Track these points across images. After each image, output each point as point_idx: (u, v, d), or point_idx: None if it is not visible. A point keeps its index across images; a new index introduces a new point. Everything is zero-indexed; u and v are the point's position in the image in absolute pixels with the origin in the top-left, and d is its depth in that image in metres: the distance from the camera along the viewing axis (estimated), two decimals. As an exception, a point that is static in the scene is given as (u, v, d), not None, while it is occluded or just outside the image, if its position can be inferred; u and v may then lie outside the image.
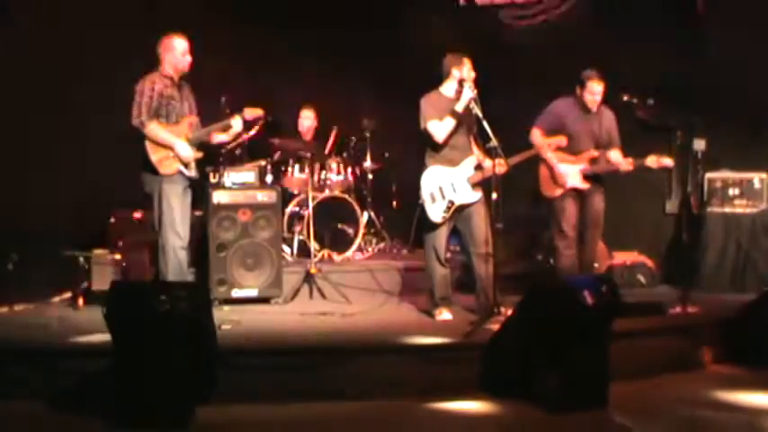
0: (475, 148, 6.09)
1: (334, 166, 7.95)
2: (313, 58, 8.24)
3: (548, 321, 4.70)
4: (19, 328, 5.70)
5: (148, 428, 4.27)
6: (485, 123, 5.77)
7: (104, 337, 4.67)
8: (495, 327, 5.22)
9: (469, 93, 5.85)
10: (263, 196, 6.78)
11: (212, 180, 6.98)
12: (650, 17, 7.54)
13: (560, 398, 4.56)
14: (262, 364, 4.89)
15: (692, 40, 7.40)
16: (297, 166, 7.85)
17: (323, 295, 6.86)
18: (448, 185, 5.99)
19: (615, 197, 6.70)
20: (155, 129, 5.84)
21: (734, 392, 4.96)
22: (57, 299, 6.65)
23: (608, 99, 6.50)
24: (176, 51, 5.95)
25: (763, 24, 7.20)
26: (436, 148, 6.02)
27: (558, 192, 6.45)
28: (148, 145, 5.84)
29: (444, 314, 6.06)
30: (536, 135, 6.46)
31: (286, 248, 7.48)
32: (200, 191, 6.61)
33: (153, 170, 5.86)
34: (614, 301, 4.82)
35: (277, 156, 7.94)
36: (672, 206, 7.69)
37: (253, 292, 6.64)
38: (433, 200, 6.01)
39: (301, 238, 7.62)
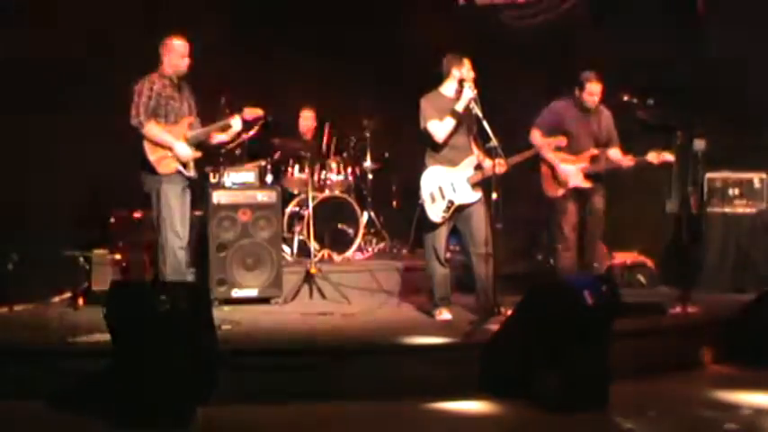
0: (475, 148, 6.09)
1: (334, 166, 7.96)
2: (313, 58, 8.24)
3: (548, 321, 4.69)
4: (19, 328, 5.70)
5: (148, 428, 4.26)
6: (485, 123, 5.78)
7: (104, 337, 4.67)
8: (495, 327, 5.22)
9: (469, 93, 5.85)
10: (263, 196, 6.78)
11: (212, 180, 6.98)
12: (650, 17, 7.54)
13: (560, 398, 4.56)
14: (262, 364, 4.88)
15: (691, 40, 7.40)
16: (297, 166, 7.85)
17: (323, 295, 6.86)
18: (448, 185, 5.99)
19: (615, 197, 6.70)
20: (153, 129, 5.84)
21: (734, 392, 4.96)
22: (57, 299, 6.64)
23: (607, 99, 6.50)
24: (176, 53, 5.95)
25: (763, 24, 7.21)
26: (436, 148, 6.02)
27: (560, 192, 6.46)
28: (147, 145, 5.85)
29: (444, 314, 6.06)
30: (536, 135, 6.46)
31: (286, 248, 7.48)
32: (199, 191, 6.62)
33: (151, 170, 5.86)
34: (614, 301, 4.82)
35: (277, 156, 7.95)
36: (672, 206, 7.68)
37: (253, 292, 6.64)
38: (433, 200, 6.01)
39: (301, 238, 7.62)
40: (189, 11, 7.58)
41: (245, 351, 5.06)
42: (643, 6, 7.57)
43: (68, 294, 6.63)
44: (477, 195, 6.02)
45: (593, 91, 6.38)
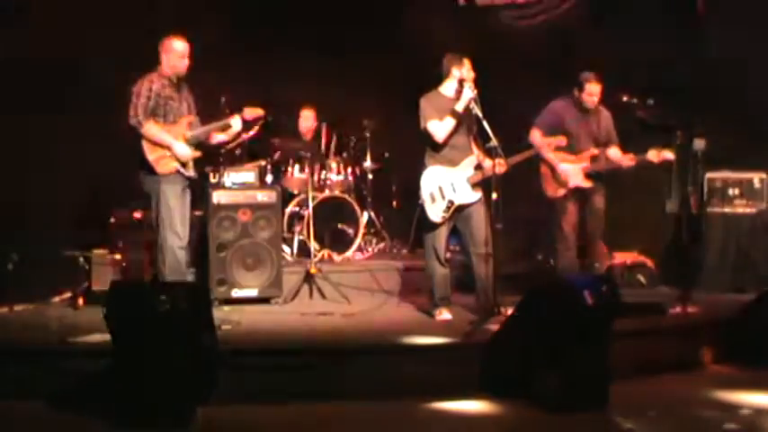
0: (475, 148, 6.09)
1: (334, 166, 7.96)
2: (313, 57, 8.24)
3: (548, 321, 4.70)
4: (19, 328, 5.71)
5: (148, 428, 4.26)
6: (485, 123, 5.78)
7: (104, 337, 4.67)
8: (495, 327, 5.22)
9: (469, 93, 5.85)
10: (263, 196, 6.78)
11: (212, 180, 6.98)
12: (650, 17, 7.54)
13: (560, 398, 4.56)
14: (262, 364, 4.88)
15: (691, 40, 7.40)
16: (297, 166, 7.85)
17: (323, 295, 6.86)
18: (448, 185, 5.99)
19: (615, 197, 6.70)
20: (151, 128, 5.84)
21: (734, 392, 4.95)
22: (57, 299, 6.65)
23: (607, 99, 6.50)
24: (175, 53, 5.95)
25: (764, 24, 7.20)
26: (436, 147, 6.02)
27: (561, 192, 6.46)
28: (145, 145, 5.85)
29: (444, 314, 6.06)
30: (535, 135, 6.47)
31: (286, 248, 7.48)
32: (199, 191, 6.62)
33: (150, 170, 5.86)
34: (614, 301, 4.82)
35: (277, 156, 7.95)
36: (672, 206, 7.67)
37: (253, 292, 6.64)
38: (433, 200, 6.01)
39: (301, 238, 7.62)
40: (189, 10, 7.58)
41: (245, 351, 5.06)
42: (643, 6, 7.57)
43: (68, 294, 6.63)
44: (477, 195, 6.02)
45: (592, 91, 6.40)
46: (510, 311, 5.21)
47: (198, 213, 6.84)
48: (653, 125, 7.04)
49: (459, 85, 5.95)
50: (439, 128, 5.94)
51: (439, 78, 6.08)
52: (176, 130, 5.95)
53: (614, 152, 6.47)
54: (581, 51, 7.42)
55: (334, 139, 8.35)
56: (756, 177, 7.32)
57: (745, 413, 4.60)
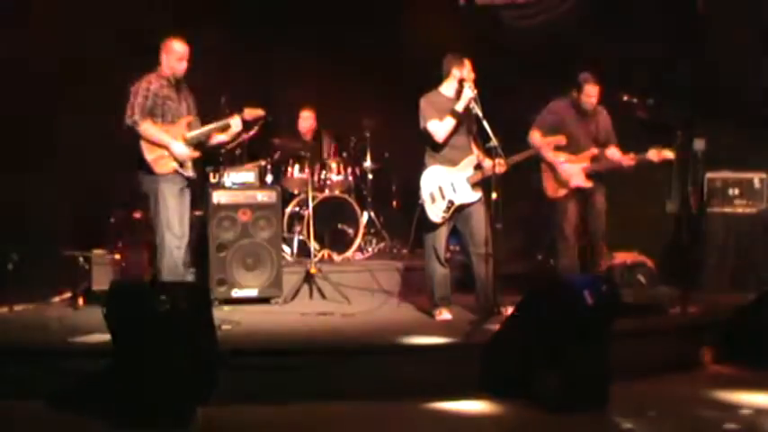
0: (475, 148, 6.09)
1: (334, 166, 7.96)
2: (313, 58, 8.24)
3: (548, 321, 4.70)
4: (19, 328, 5.70)
5: (148, 428, 4.27)
6: (485, 123, 5.78)
7: (104, 337, 4.68)
8: (495, 327, 5.22)
9: (469, 92, 5.85)
10: (263, 196, 6.78)
11: (212, 180, 6.98)
12: (650, 17, 7.54)
13: (560, 398, 4.56)
14: (262, 364, 4.88)
15: (691, 40, 7.40)
16: (297, 166, 7.85)
17: (323, 295, 6.86)
18: (448, 185, 5.99)
19: (615, 197, 6.70)
20: (148, 128, 5.84)
21: (734, 392, 4.95)
22: (57, 299, 6.64)
23: (606, 99, 6.50)
24: (174, 55, 5.95)
25: (764, 24, 7.20)
26: (436, 147, 6.02)
27: (561, 192, 6.46)
28: (144, 145, 5.85)
29: (444, 314, 6.06)
30: (535, 136, 6.47)
31: (286, 248, 7.48)
32: (199, 191, 6.62)
33: (148, 170, 5.86)
34: (614, 301, 4.82)
35: (277, 156, 7.95)
36: (672, 206, 7.67)
37: (253, 292, 6.64)
38: (433, 200, 6.01)
39: (301, 238, 7.62)
40: (189, 10, 7.58)
41: (245, 351, 5.05)
42: (643, 6, 7.57)
43: (68, 294, 6.63)
44: (477, 195, 6.02)
45: (590, 92, 6.40)
46: (510, 311, 5.21)
47: (198, 213, 6.85)
48: (653, 125, 7.05)
49: (459, 84, 5.95)
50: (439, 128, 5.94)
51: (439, 78, 6.08)
52: (175, 130, 5.95)
53: (613, 152, 6.48)
54: (581, 51, 7.42)
55: (333, 145, 8.32)
56: (756, 177, 7.32)
57: (745, 413, 4.60)
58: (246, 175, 6.88)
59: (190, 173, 6.04)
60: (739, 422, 4.44)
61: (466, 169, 6.02)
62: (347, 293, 6.82)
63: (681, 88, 7.14)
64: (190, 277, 6.42)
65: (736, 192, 7.33)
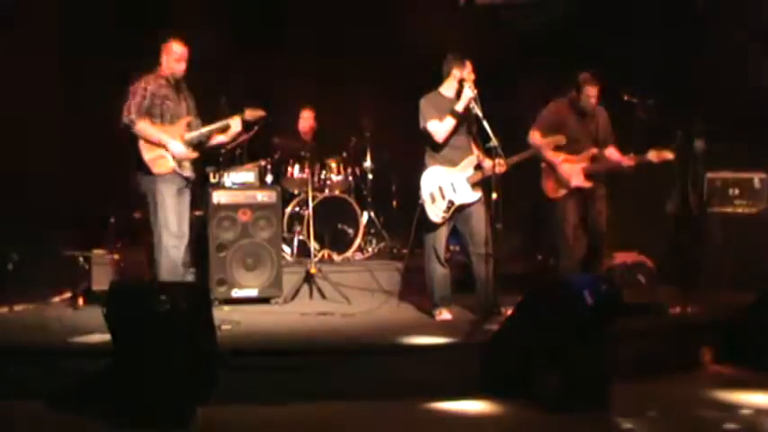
0: (475, 149, 6.09)
1: (334, 166, 7.95)
2: (313, 58, 8.24)
3: (548, 321, 4.70)
4: (19, 328, 5.70)
5: (148, 428, 4.27)
6: (485, 123, 5.78)
7: (104, 337, 4.68)
8: (495, 327, 5.22)
9: (469, 92, 5.85)
10: (263, 196, 6.78)
11: (212, 180, 6.97)
12: (650, 17, 7.54)
13: (560, 398, 4.56)
14: (262, 364, 4.88)
15: (691, 40, 7.40)
16: (297, 166, 7.85)
17: (323, 295, 6.86)
18: (448, 185, 5.99)
19: (615, 197, 6.69)
20: (144, 127, 5.84)
21: (734, 392, 4.96)
22: (57, 299, 6.65)
23: (607, 98, 6.50)
24: (173, 55, 5.96)
25: (764, 24, 7.20)
26: (436, 148, 6.02)
27: (561, 192, 6.45)
28: (142, 144, 5.85)
29: (444, 314, 6.07)
30: (535, 136, 6.46)
31: (286, 248, 7.48)
32: (199, 190, 6.61)
33: (147, 170, 5.86)
34: (614, 301, 4.82)
35: (277, 156, 7.95)
36: (672, 206, 7.67)
37: (253, 292, 6.64)
38: (433, 200, 6.01)
39: (301, 238, 7.62)
40: (189, 10, 7.58)
41: (245, 351, 5.06)
42: (643, 6, 7.57)
43: (68, 294, 6.63)
44: (476, 195, 6.02)
45: (590, 93, 6.39)
46: (510, 311, 5.20)
47: (198, 213, 6.85)
48: (653, 125, 7.04)
49: (459, 85, 5.95)
50: (439, 128, 5.94)
51: (439, 78, 6.08)
52: (173, 130, 5.95)
53: (611, 152, 6.48)
54: (581, 51, 7.42)
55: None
56: (756, 177, 7.32)
57: (745, 413, 4.60)
58: (246, 175, 6.88)
59: (188, 173, 6.04)
60: (739, 422, 4.44)
61: (466, 169, 6.01)
62: (347, 293, 6.82)
63: (681, 88, 7.13)
64: (190, 277, 6.42)
65: (736, 192, 7.33)
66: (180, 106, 6.03)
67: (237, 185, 6.79)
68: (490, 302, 5.82)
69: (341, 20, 8.26)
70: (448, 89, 6.05)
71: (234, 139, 6.57)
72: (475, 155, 6.06)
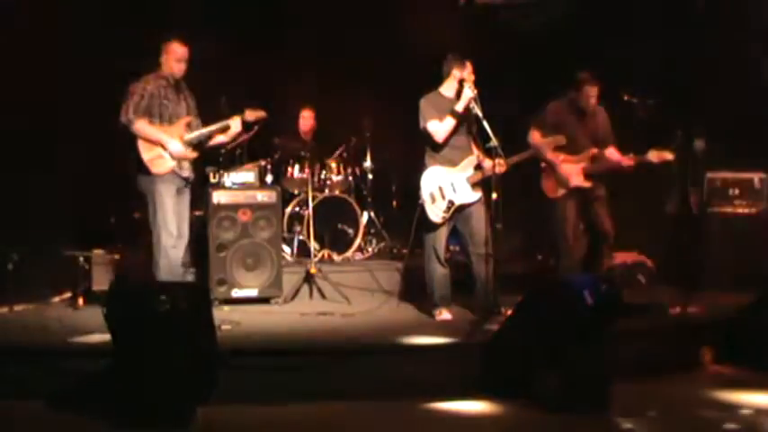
0: (475, 149, 6.09)
1: (334, 166, 7.96)
2: (313, 58, 8.24)
3: (548, 321, 4.70)
4: (19, 328, 5.70)
5: (148, 428, 4.27)
6: (485, 123, 5.78)
7: (104, 337, 4.68)
8: (495, 327, 5.22)
9: (469, 93, 5.86)
10: (263, 196, 6.78)
11: (212, 180, 6.98)
12: (650, 17, 7.54)
13: (560, 398, 4.56)
14: (262, 364, 4.88)
15: (691, 40, 7.40)
16: (297, 166, 7.85)
17: (323, 295, 6.86)
18: (448, 185, 5.99)
19: (615, 197, 6.70)
20: (142, 126, 5.84)
21: (734, 392, 4.95)
22: (57, 299, 6.65)
23: (607, 98, 6.50)
24: (173, 56, 5.96)
25: (764, 24, 7.20)
26: (436, 148, 6.02)
27: (561, 192, 6.46)
28: (141, 144, 5.85)
29: (444, 314, 6.07)
30: (535, 136, 6.47)
31: (286, 248, 7.48)
32: (199, 190, 6.61)
33: (145, 170, 5.85)
34: (614, 301, 4.82)
35: (277, 156, 7.95)
36: (672, 206, 7.68)
37: (253, 292, 6.64)
38: (433, 200, 6.01)
39: (301, 238, 7.62)
40: (190, 10, 7.58)
41: (245, 351, 5.06)
42: (643, 6, 7.57)
43: (68, 294, 6.63)
44: (477, 195, 6.02)
45: (589, 92, 6.39)
46: (510, 311, 5.20)
47: (198, 213, 6.84)
48: (653, 125, 7.05)
49: (459, 85, 5.95)
50: (439, 128, 5.94)
51: (439, 78, 6.08)
52: (173, 130, 5.94)
53: (611, 152, 6.48)
54: (581, 51, 7.42)
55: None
56: (756, 177, 7.32)
57: (745, 413, 4.60)
58: (246, 175, 6.88)
59: (187, 173, 6.04)
60: (739, 422, 4.44)
61: (466, 169, 6.02)
62: (347, 293, 6.82)
63: (681, 88, 7.13)
64: (189, 277, 6.42)
65: (736, 192, 7.33)
66: (179, 106, 6.03)
67: (237, 185, 6.80)
68: (490, 302, 5.82)
69: (341, 20, 8.26)
70: (448, 89, 6.05)
71: (234, 139, 6.57)
72: (475, 155, 6.06)
